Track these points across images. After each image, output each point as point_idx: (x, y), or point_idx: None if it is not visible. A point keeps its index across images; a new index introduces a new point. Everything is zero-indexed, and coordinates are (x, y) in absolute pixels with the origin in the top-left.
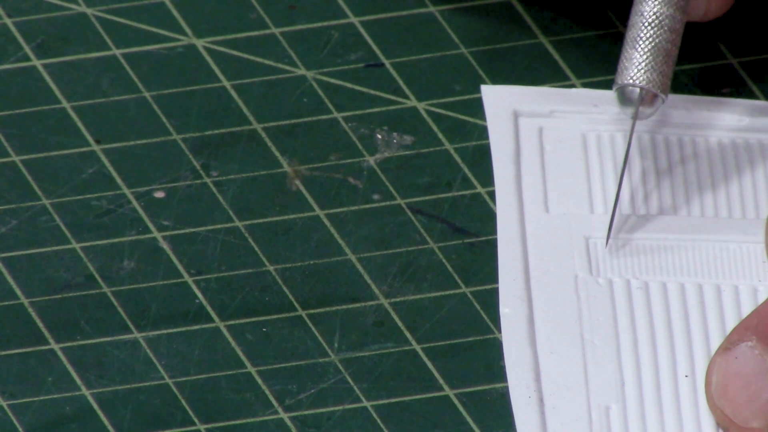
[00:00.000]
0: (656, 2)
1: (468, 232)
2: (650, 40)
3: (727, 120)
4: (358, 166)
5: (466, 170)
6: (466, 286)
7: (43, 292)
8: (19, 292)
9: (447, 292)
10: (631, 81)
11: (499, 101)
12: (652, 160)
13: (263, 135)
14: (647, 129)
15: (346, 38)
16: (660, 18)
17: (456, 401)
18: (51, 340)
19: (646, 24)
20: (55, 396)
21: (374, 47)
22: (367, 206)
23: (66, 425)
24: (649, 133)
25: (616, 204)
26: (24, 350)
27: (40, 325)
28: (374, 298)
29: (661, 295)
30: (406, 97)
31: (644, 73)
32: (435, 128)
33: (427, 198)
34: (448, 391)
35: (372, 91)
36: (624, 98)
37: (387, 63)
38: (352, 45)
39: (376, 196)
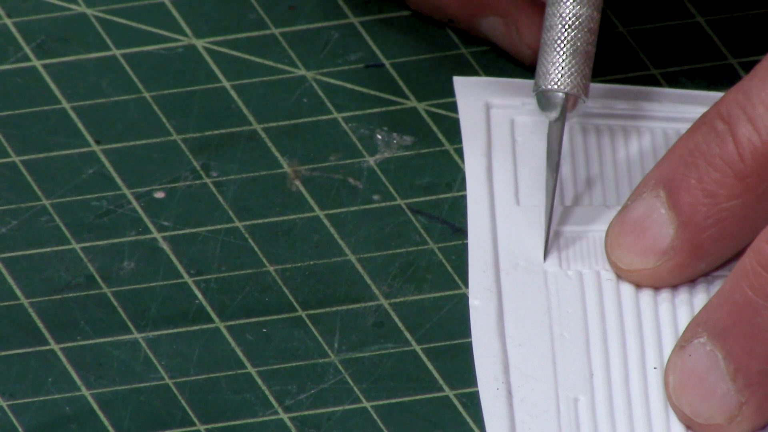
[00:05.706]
0: (576, 3)
1: (468, 233)
2: (571, 42)
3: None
4: (358, 166)
5: (466, 170)
6: (466, 286)
7: (43, 293)
8: (19, 293)
9: (447, 293)
10: (555, 86)
11: (472, 92)
12: (622, 151)
13: (263, 135)
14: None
15: (346, 38)
16: (580, 19)
17: (456, 401)
18: (51, 340)
19: (566, 26)
20: (55, 396)
21: (374, 47)
22: (367, 206)
23: (66, 425)
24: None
25: (549, 216)
26: (24, 350)
27: (40, 325)
28: (374, 298)
29: (630, 287)
30: (406, 97)
31: (568, 77)
32: (435, 128)
33: (427, 198)
34: (448, 392)
35: (372, 92)
36: (546, 102)
37: (387, 63)
38: (352, 45)
39: (376, 197)
